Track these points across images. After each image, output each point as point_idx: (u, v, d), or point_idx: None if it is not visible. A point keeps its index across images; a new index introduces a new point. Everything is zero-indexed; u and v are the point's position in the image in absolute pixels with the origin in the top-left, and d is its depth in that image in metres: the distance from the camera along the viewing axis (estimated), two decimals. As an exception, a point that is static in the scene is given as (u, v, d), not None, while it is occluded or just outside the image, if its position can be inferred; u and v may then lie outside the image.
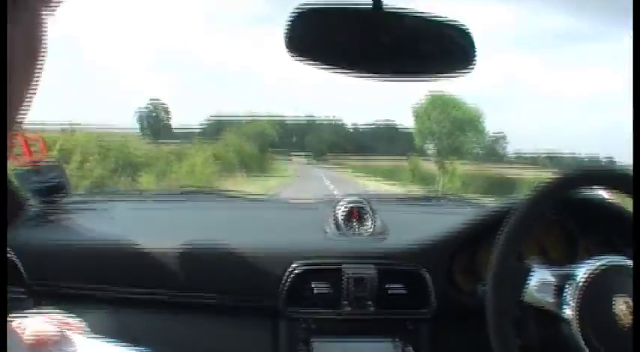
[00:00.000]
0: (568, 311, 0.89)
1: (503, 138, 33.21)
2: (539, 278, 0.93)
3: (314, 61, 0.94)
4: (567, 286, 0.91)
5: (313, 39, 0.94)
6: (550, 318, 0.92)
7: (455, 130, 27.87)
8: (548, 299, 0.92)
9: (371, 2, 0.90)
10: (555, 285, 0.92)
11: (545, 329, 0.94)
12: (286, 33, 0.91)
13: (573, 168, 1.01)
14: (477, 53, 0.95)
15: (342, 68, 0.97)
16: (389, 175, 27.89)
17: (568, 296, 0.90)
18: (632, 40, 1.05)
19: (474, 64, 0.96)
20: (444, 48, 0.98)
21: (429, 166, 27.81)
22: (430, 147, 29.00)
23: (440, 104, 28.16)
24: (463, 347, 1.18)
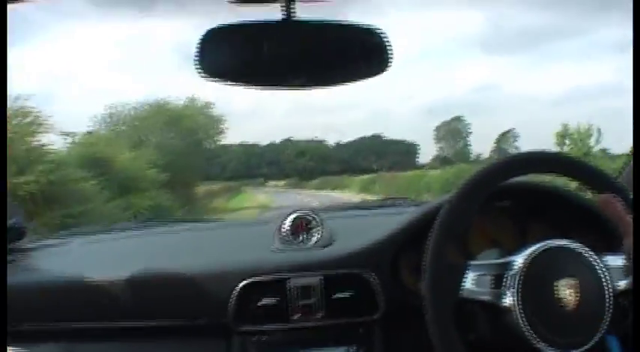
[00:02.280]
0: (509, 300, 0.88)
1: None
2: (476, 272, 0.92)
3: (227, 79, 0.95)
4: (506, 275, 0.90)
5: (224, 57, 0.95)
6: (492, 311, 0.90)
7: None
8: (487, 291, 0.90)
9: (284, 14, 0.92)
10: (493, 276, 0.91)
11: (490, 323, 0.93)
12: (197, 54, 0.92)
13: (505, 155, 1.01)
14: (391, 53, 0.97)
15: (255, 83, 0.99)
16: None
17: (508, 285, 0.89)
18: (633, 40, 1.06)
19: (389, 64, 0.98)
20: (357, 52, 0.99)
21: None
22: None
23: None
24: (417, 347, 1.18)
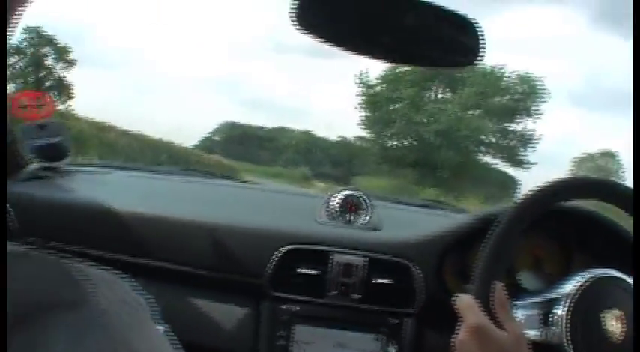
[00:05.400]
0: (558, 337, 0.86)
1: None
2: (523, 313, 0.91)
3: (321, 36, 0.93)
4: (553, 312, 0.88)
5: (324, 13, 0.92)
6: (541, 346, 0.87)
7: None
8: (537, 331, 0.89)
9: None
10: (541, 314, 0.90)
11: None
12: (297, 4, 0.89)
13: (564, 178, 0.96)
14: (484, 49, 0.94)
15: (350, 47, 0.96)
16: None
17: (555, 322, 0.87)
18: (632, 40, 1.03)
19: (481, 59, 0.94)
20: (455, 39, 0.96)
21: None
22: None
23: None
24: (447, 349, 1.15)
